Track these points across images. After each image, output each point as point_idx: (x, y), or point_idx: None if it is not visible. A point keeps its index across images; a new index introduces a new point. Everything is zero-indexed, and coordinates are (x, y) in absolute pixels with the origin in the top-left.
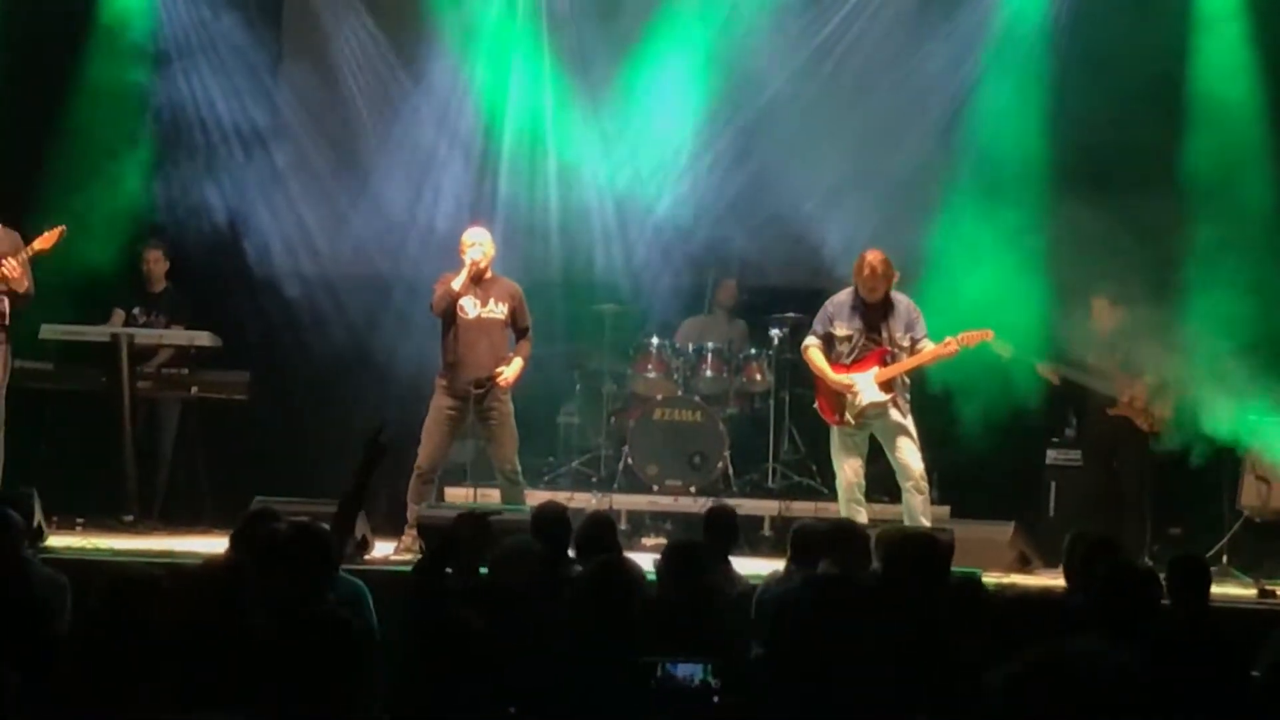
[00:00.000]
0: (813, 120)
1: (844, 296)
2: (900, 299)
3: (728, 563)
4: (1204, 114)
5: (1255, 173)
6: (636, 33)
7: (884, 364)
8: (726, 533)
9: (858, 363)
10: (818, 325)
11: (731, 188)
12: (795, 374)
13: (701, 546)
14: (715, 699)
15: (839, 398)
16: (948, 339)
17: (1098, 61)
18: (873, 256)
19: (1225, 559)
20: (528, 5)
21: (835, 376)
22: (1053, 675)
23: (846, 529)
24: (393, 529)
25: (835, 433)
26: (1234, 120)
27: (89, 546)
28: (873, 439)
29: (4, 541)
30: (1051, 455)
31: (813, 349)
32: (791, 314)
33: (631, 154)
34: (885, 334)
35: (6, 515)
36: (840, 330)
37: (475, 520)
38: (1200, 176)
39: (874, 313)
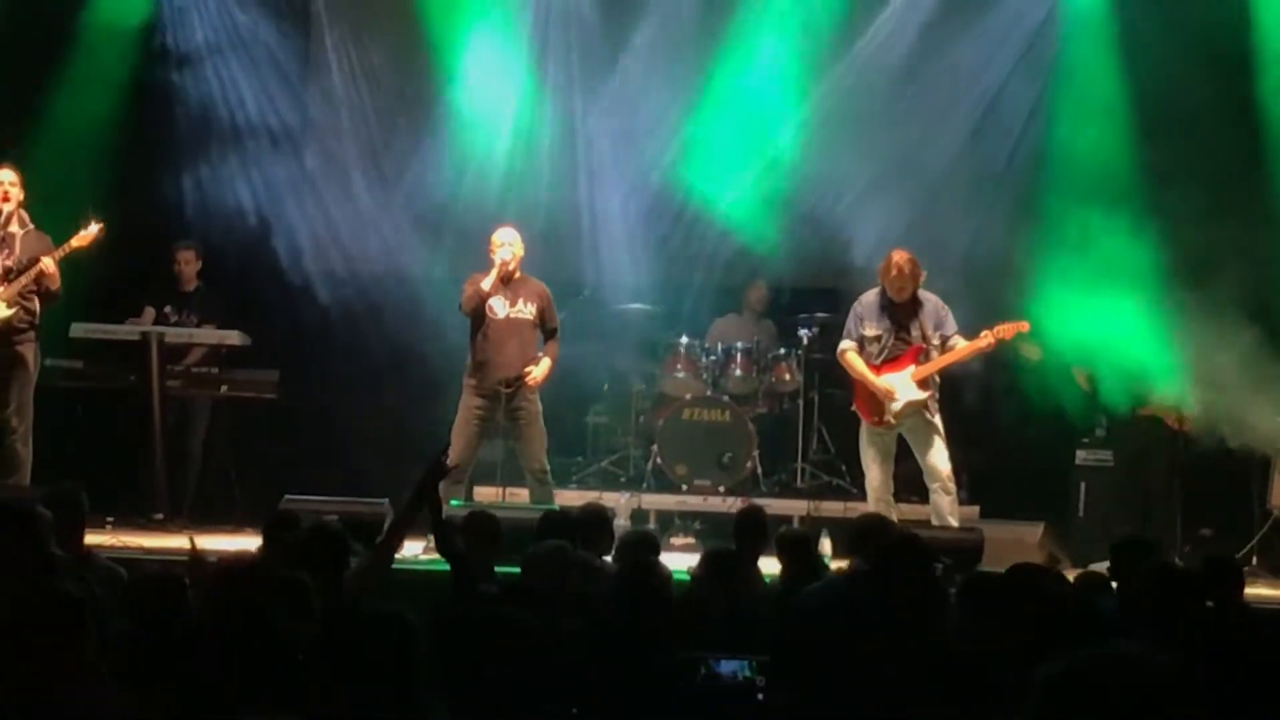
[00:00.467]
0: (846, 121)
1: (871, 297)
2: (929, 297)
3: (756, 565)
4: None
5: None
6: (667, 37)
7: (919, 362)
8: (757, 534)
9: (890, 362)
10: (851, 328)
11: (762, 188)
12: (824, 374)
13: (736, 555)
14: (760, 695)
15: (878, 399)
16: (984, 331)
17: (1146, 49)
18: (899, 257)
19: (1255, 560)
20: (560, 6)
21: (877, 381)
22: (1093, 676)
23: (876, 524)
24: (421, 528)
25: (864, 432)
26: None
27: (118, 545)
28: (901, 438)
29: (30, 538)
30: (1081, 456)
31: (850, 353)
32: (821, 314)
33: (661, 155)
34: (917, 332)
35: (32, 512)
36: (869, 330)
37: (486, 520)
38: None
39: (902, 312)
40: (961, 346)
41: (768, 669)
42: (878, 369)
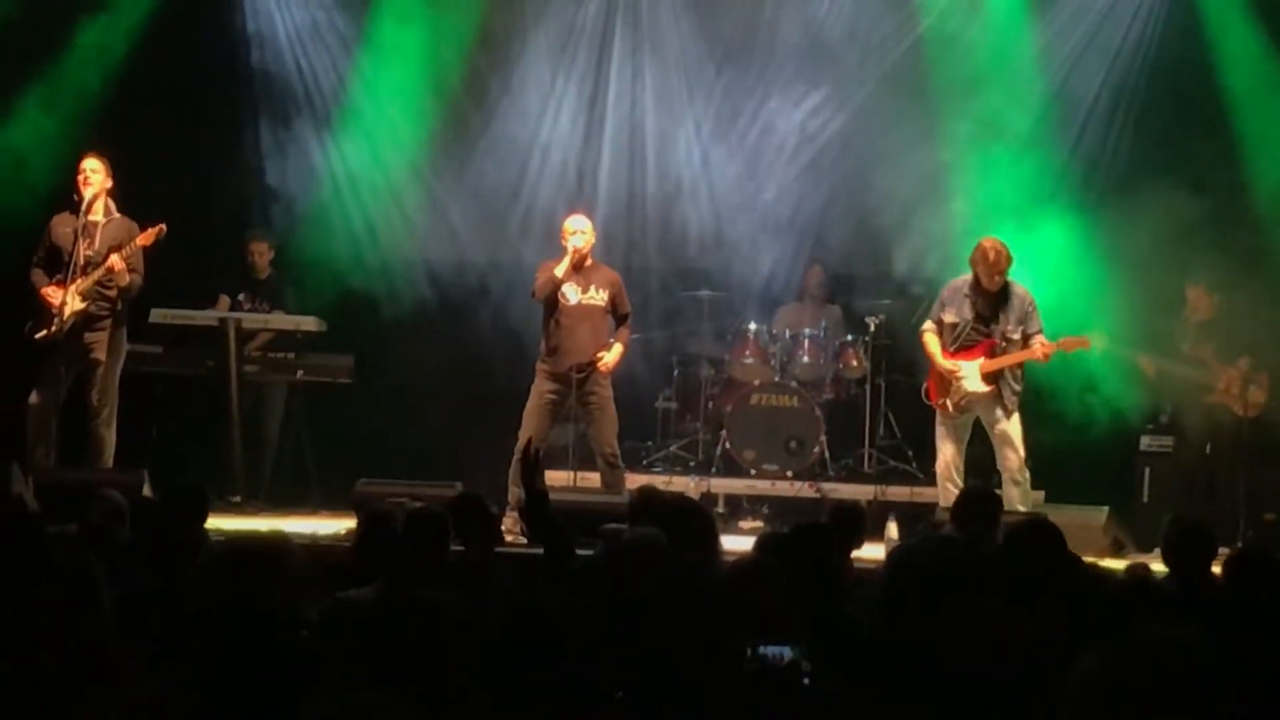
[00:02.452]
0: (910, 112)
1: (960, 283)
2: (1018, 289)
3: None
4: None
5: None
6: (739, 27)
7: (990, 355)
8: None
9: (963, 350)
10: (936, 309)
11: (831, 178)
12: (891, 360)
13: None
14: (805, 680)
15: (945, 382)
16: (1043, 342)
17: None
18: (989, 243)
19: None
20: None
21: (943, 362)
22: (1138, 662)
23: (980, 495)
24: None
25: (939, 415)
26: None
27: None
28: (977, 424)
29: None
30: (1145, 441)
31: (928, 333)
32: (887, 301)
33: (738, 147)
34: (998, 324)
35: (102, 495)
36: (949, 317)
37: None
38: None
39: (988, 301)
40: (1023, 351)
41: (817, 654)
42: (951, 355)
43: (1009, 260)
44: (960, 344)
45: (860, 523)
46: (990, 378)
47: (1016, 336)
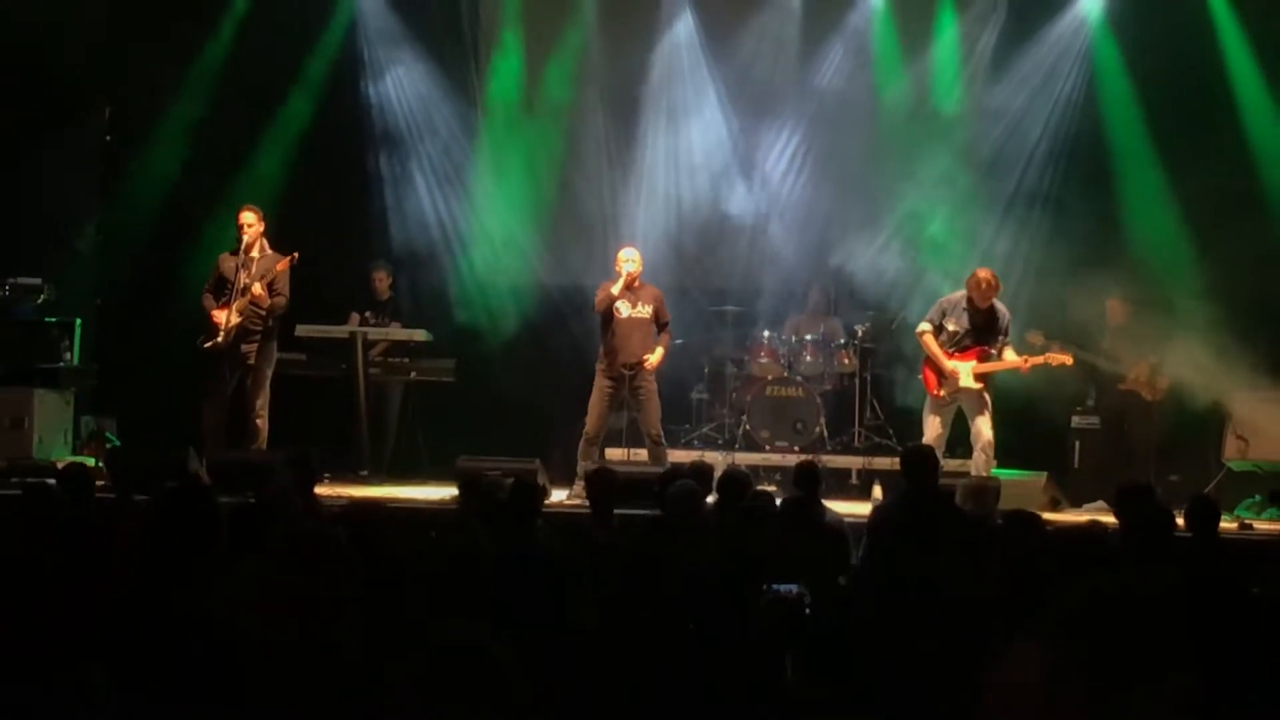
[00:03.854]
0: (887, 167)
1: (958, 298)
2: (1001, 309)
3: (820, 503)
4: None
5: None
6: (755, 93)
7: (980, 360)
8: (814, 480)
9: (959, 353)
10: (934, 316)
11: (827, 216)
12: (874, 359)
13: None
14: (807, 610)
15: (943, 375)
16: (1026, 356)
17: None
18: (985, 273)
19: None
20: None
21: (947, 363)
22: (1105, 604)
23: (921, 453)
24: (565, 480)
25: (929, 401)
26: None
27: (333, 495)
28: (958, 409)
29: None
30: (1075, 420)
31: (929, 335)
32: (871, 313)
33: (755, 192)
34: (986, 336)
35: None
36: (951, 325)
37: (608, 475)
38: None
39: (980, 316)
40: (1009, 361)
41: (815, 588)
42: (950, 355)
43: (997, 288)
44: (957, 347)
45: (816, 475)
46: (979, 378)
47: (999, 345)
